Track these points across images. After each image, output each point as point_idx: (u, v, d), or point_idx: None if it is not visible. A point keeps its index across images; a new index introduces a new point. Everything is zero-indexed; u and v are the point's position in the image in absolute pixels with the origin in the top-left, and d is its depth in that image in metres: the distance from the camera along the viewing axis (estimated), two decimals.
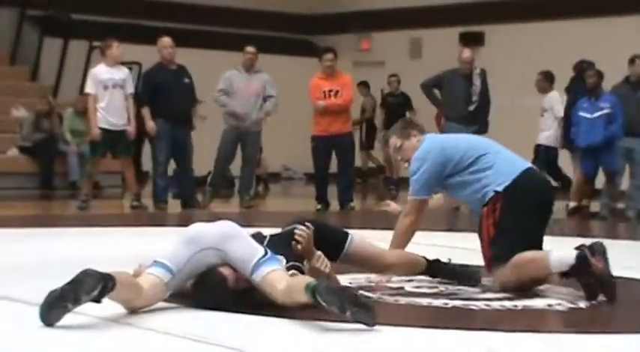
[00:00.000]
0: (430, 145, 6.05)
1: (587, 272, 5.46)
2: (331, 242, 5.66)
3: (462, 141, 6.13)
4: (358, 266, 5.94)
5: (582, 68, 12.96)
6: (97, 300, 4.54)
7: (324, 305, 4.60)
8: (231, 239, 5.05)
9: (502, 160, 5.94)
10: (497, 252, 5.69)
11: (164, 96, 12.00)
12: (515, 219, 5.74)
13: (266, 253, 5.04)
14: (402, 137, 6.20)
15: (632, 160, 12.32)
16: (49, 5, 17.46)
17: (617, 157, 12.23)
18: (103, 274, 4.55)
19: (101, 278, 4.52)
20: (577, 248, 5.55)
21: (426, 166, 5.96)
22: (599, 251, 5.50)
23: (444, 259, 6.05)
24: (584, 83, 12.51)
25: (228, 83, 12.53)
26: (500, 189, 5.80)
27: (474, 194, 5.90)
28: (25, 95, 16.18)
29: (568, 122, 12.78)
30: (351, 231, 5.90)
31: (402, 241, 6.08)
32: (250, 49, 12.67)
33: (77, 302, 4.48)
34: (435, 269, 5.99)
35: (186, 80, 12.33)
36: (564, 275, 5.59)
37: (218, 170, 12.89)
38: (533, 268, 5.65)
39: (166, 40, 12.29)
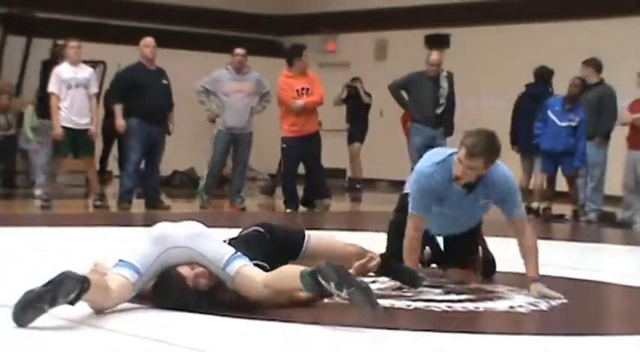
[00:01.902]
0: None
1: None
2: (289, 242, 5.67)
3: None
4: (319, 261, 5.91)
5: (541, 74, 13.09)
6: (72, 303, 4.51)
7: (323, 283, 4.68)
8: (201, 238, 5.10)
9: None
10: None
11: (141, 95, 11.95)
12: None
13: (236, 251, 5.11)
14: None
15: (586, 164, 12.38)
16: (12, 3, 17.33)
17: (577, 161, 12.30)
18: (80, 277, 4.53)
19: (79, 281, 4.50)
20: None
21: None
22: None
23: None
24: (544, 88, 12.65)
25: (214, 84, 12.47)
26: None
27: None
28: None
29: (516, 127, 12.95)
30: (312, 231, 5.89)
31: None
32: (240, 50, 12.59)
33: (54, 304, 4.47)
34: (382, 265, 5.93)
35: (165, 82, 12.30)
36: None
37: (213, 174, 12.76)
38: None
39: (149, 40, 12.28)
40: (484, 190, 5.89)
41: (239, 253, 5.11)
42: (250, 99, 12.50)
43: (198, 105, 12.88)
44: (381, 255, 5.94)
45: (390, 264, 5.97)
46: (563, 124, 12.22)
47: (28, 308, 4.44)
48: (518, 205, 5.90)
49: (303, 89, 12.35)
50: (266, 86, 12.63)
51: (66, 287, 4.46)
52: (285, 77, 12.51)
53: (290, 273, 4.94)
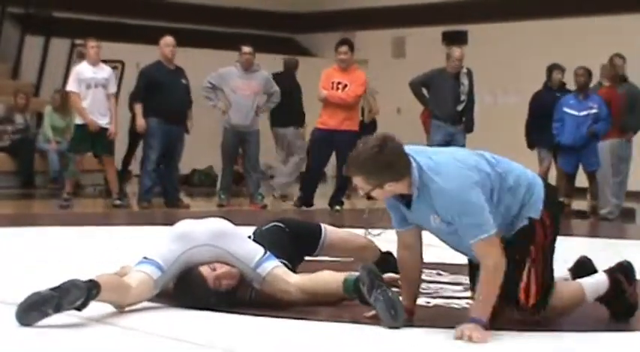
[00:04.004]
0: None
1: (621, 299, 4.95)
2: (307, 237, 5.68)
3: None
4: (335, 254, 5.92)
5: (550, 72, 13.15)
6: (79, 309, 4.54)
7: (360, 287, 4.73)
8: (229, 236, 5.10)
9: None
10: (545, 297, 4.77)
11: (160, 94, 11.97)
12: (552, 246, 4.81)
13: (265, 251, 5.13)
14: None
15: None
16: (30, 3, 17.39)
17: (597, 157, 12.25)
18: (88, 284, 4.53)
19: (86, 289, 4.51)
20: (609, 271, 4.98)
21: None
22: (632, 273, 4.96)
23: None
24: (550, 87, 12.74)
25: (221, 80, 12.45)
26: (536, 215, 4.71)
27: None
28: (4, 93, 16.09)
29: (533, 123, 13.01)
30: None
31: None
32: (247, 48, 12.53)
33: (59, 310, 4.48)
34: (385, 261, 5.81)
35: (184, 81, 12.32)
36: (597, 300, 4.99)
37: (226, 171, 12.75)
38: (575, 304, 4.91)
39: (169, 39, 12.31)
40: (428, 205, 4.57)
41: (269, 253, 5.12)
42: (256, 97, 12.47)
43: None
44: (382, 252, 5.88)
45: (388, 259, 5.83)
46: (582, 114, 12.17)
47: (32, 310, 4.45)
48: (470, 227, 4.46)
49: (339, 83, 12.27)
50: (274, 85, 12.61)
51: (72, 296, 4.46)
52: (331, 68, 12.46)
53: (331, 280, 4.99)
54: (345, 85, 12.22)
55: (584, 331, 4.87)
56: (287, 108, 13.29)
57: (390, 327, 4.59)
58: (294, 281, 5.04)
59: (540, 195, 4.70)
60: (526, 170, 4.79)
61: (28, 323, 4.46)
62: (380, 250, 5.89)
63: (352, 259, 5.94)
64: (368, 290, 4.69)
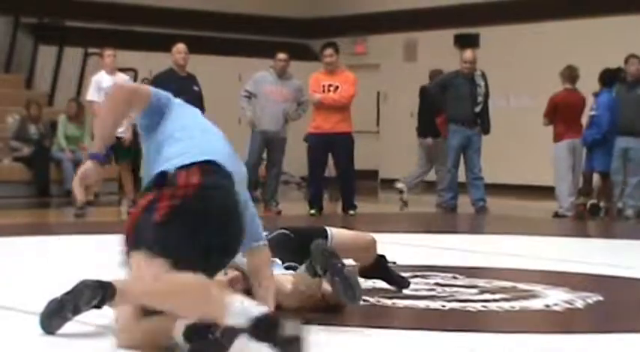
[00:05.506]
0: None
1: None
2: (314, 240, 5.66)
3: None
4: (343, 255, 5.87)
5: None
6: (98, 307, 4.54)
7: (313, 264, 4.79)
8: None
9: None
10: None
11: None
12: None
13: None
14: None
15: (630, 159, 12.33)
16: (43, 13, 17.46)
17: (603, 159, 12.31)
18: (101, 283, 4.53)
19: (100, 288, 4.50)
20: None
21: None
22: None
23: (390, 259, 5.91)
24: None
25: (256, 86, 12.51)
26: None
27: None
28: (20, 103, 16.16)
29: None
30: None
31: None
32: (282, 55, 12.59)
33: (77, 312, 4.49)
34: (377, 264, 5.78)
35: (196, 88, 12.35)
36: None
37: (250, 175, 12.74)
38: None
39: (181, 46, 12.32)
40: None
41: (270, 261, 5.12)
42: (287, 104, 12.52)
43: (230, 110, 12.93)
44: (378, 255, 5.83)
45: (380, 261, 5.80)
46: (589, 114, 12.39)
47: (52, 317, 4.49)
48: None
49: (330, 86, 12.31)
50: (305, 95, 12.69)
51: (86, 296, 4.46)
52: (317, 72, 12.54)
53: (301, 271, 4.98)
54: (337, 87, 12.28)
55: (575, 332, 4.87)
56: (429, 118, 13.38)
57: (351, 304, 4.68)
58: (290, 286, 5.02)
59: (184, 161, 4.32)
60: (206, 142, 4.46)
61: (52, 330, 4.49)
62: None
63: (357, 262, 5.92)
64: (323, 271, 4.74)
